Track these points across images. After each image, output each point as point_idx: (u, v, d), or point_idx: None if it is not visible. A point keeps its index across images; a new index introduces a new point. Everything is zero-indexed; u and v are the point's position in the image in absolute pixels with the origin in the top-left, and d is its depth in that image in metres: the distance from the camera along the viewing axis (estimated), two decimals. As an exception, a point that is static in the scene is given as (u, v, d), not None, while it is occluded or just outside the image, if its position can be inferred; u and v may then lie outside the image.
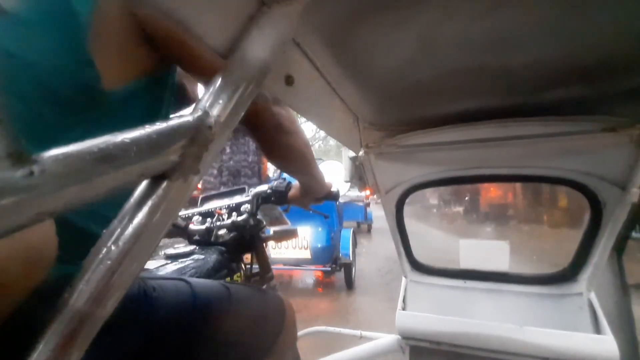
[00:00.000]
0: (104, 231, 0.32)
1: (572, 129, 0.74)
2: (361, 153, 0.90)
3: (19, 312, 0.37)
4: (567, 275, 0.98)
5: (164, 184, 0.34)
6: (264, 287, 1.29)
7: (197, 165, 0.36)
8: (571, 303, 0.97)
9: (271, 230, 1.27)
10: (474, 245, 1.15)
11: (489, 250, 1.11)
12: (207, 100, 0.38)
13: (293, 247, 3.46)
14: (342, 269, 3.42)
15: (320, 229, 3.38)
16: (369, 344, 1.09)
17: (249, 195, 1.24)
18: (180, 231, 1.23)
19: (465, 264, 1.14)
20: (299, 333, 1.31)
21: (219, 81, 0.38)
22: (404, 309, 1.08)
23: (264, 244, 1.28)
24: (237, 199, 1.27)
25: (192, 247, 1.15)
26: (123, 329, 0.49)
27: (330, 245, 3.39)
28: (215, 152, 0.38)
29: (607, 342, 0.83)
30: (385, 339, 1.07)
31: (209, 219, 1.24)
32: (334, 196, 1.00)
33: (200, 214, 1.28)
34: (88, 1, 0.44)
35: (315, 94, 0.62)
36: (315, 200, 1.00)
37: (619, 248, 1.10)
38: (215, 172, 4.17)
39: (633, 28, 0.48)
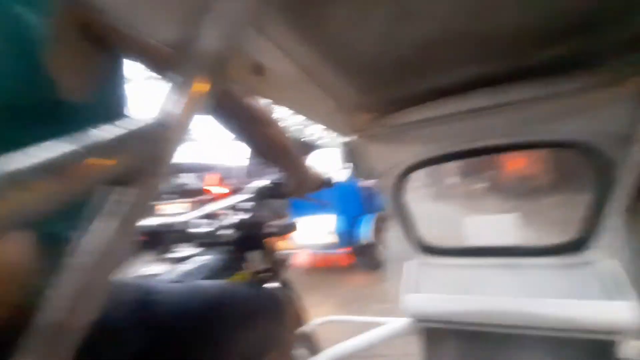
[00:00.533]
0: (69, 241, 0.32)
1: (568, 88, 0.70)
2: (352, 137, 0.88)
3: (3, 329, 0.37)
4: (579, 243, 0.94)
5: (125, 189, 0.33)
6: (277, 282, 1.30)
7: (157, 168, 0.35)
8: (585, 272, 0.93)
9: (273, 226, 1.27)
10: (480, 221, 1.12)
11: (497, 225, 1.08)
12: (163, 100, 0.36)
13: (321, 233, 3.76)
14: (363, 250, 3.69)
15: (343, 215, 3.62)
16: (382, 328, 1.08)
17: (250, 193, 1.24)
18: (185, 237, 1.24)
19: (473, 241, 1.11)
20: (312, 323, 1.31)
21: (173, 78, 0.37)
22: (412, 291, 1.07)
23: (269, 240, 1.28)
24: (238, 197, 1.27)
25: (196, 249, 1.16)
26: (126, 332, 0.51)
27: (351, 230, 3.63)
28: (173, 152, 0.37)
29: (625, 308, 0.80)
30: (397, 322, 1.06)
31: (211, 220, 1.24)
32: (328, 183, 1.00)
33: (201, 217, 1.29)
34: (39, 13, 0.43)
35: (290, 81, 0.60)
36: (309, 189, 1.00)
37: (634, 210, 1.06)
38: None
39: None
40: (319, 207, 3.31)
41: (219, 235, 1.21)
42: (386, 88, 0.78)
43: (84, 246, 0.31)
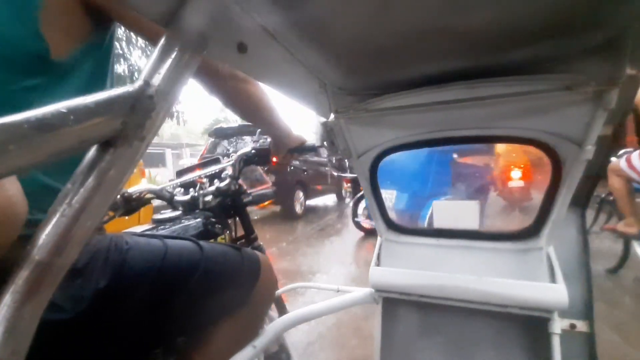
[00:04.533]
0: (60, 193, 0.36)
1: (533, 88, 0.75)
2: (331, 118, 0.92)
3: None
4: (531, 231, 1.03)
5: (110, 150, 0.37)
6: (249, 247, 1.37)
7: (141, 132, 0.39)
8: (533, 257, 1.03)
9: (251, 193, 1.33)
10: (446, 205, 1.21)
11: (461, 210, 1.16)
12: (148, 69, 0.40)
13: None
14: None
15: (405, 193, 3.16)
16: (345, 295, 1.18)
17: (231, 160, 1.28)
18: (167, 202, 1.29)
19: (439, 223, 1.20)
20: (282, 289, 1.41)
21: (159, 50, 0.41)
22: (378, 265, 1.16)
23: (246, 208, 1.34)
24: (219, 165, 1.31)
25: (178, 213, 1.21)
26: (93, 272, 0.56)
27: (410, 211, 3.10)
28: (160, 119, 0.41)
29: (558, 290, 0.90)
30: (360, 292, 1.16)
31: (191, 189, 1.29)
32: (310, 148, 1.06)
33: (181, 185, 1.34)
34: None
35: (273, 60, 0.64)
36: (289, 152, 1.08)
37: (583, 205, 1.16)
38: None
39: None
40: (404, 181, 2.90)
41: (202, 202, 1.26)
42: (368, 74, 0.82)
43: (71, 198, 0.36)
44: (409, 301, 1.08)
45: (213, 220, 1.20)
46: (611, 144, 0.95)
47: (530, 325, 0.99)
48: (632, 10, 0.55)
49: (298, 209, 7.39)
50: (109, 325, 0.62)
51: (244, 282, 0.83)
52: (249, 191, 1.36)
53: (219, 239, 1.16)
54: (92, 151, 0.37)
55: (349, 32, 0.61)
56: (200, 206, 1.25)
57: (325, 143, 0.97)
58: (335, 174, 8.74)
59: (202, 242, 0.82)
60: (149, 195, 1.20)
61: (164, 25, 0.42)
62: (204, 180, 1.35)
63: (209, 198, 1.25)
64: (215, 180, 1.28)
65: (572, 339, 1.09)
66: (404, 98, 0.85)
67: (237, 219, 1.37)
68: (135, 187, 1.19)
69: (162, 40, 0.41)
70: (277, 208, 7.63)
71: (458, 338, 1.10)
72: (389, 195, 3.21)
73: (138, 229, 1.05)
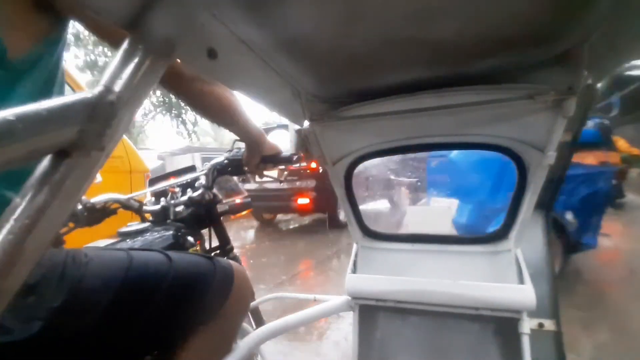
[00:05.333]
0: (7, 207, 0.33)
1: (498, 97, 0.78)
2: (306, 125, 0.92)
3: None
4: (500, 234, 1.07)
5: (66, 160, 0.35)
6: (225, 258, 1.33)
7: (101, 142, 0.36)
8: (502, 259, 1.07)
9: (226, 203, 1.29)
10: (420, 211, 1.23)
11: (434, 215, 1.19)
12: (109, 74, 0.38)
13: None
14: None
15: (469, 204, 2.59)
16: (322, 304, 1.16)
17: (204, 169, 1.24)
18: (135, 213, 1.23)
19: (413, 228, 1.22)
20: (259, 300, 1.37)
21: (121, 54, 0.38)
22: (354, 272, 1.16)
23: (221, 218, 1.30)
24: (192, 174, 1.27)
25: (146, 225, 1.15)
26: (47, 289, 0.52)
27: (473, 225, 2.60)
28: (121, 128, 0.38)
29: (525, 290, 0.94)
30: (336, 300, 1.15)
31: (163, 198, 1.24)
32: (286, 158, 1.03)
33: (153, 194, 1.28)
34: None
35: (245, 67, 0.62)
36: (265, 162, 1.04)
37: (547, 208, 1.22)
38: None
39: (545, 2, 0.51)
40: (470, 189, 2.41)
41: (173, 212, 1.21)
42: (342, 81, 0.82)
43: (20, 213, 0.32)
44: (385, 307, 1.09)
45: (184, 231, 1.15)
46: (571, 150, 1.01)
47: (502, 326, 1.02)
48: (588, 25, 0.59)
49: (343, 216, 6.59)
50: (68, 346, 0.58)
51: (216, 292, 0.80)
52: (224, 201, 1.33)
53: (191, 250, 1.11)
54: (45, 161, 0.34)
55: (322, 41, 0.61)
56: (172, 217, 1.20)
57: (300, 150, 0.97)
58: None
59: (170, 253, 0.78)
60: (115, 206, 1.14)
61: (127, 27, 0.39)
62: (177, 189, 1.31)
63: (180, 208, 1.20)
64: (189, 190, 1.23)
65: (541, 338, 1.13)
66: (377, 106, 0.86)
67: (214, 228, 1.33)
68: (99, 196, 1.12)
69: (125, 44, 0.39)
70: (314, 217, 7.00)
71: (433, 342, 1.11)
72: (449, 204, 2.44)
73: (101, 243, 0.99)
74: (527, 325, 0.96)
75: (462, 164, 2.64)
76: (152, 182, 1.42)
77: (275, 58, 0.65)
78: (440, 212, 1.17)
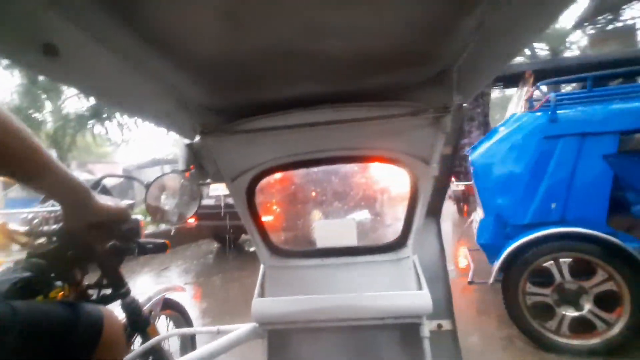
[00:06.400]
0: None
1: (388, 113, 0.83)
2: (197, 139, 0.84)
3: None
4: (400, 242, 1.12)
5: None
6: (119, 303, 1.13)
7: None
8: (403, 266, 1.12)
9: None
10: (327, 224, 1.23)
11: (340, 228, 1.20)
12: None
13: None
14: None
15: (492, 218, 2.51)
16: (228, 336, 1.06)
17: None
18: None
19: (322, 243, 1.21)
20: (156, 338, 1.20)
21: None
22: (261, 295, 1.09)
23: (111, 254, 1.09)
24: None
25: None
26: None
27: (495, 245, 2.43)
28: None
29: (423, 296, 0.99)
30: (243, 329, 1.06)
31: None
32: (133, 229, 0.85)
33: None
34: None
35: (104, 71, 0.53)
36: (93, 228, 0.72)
37: (437, 214, 1.34)
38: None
39: (419, 26, 0.54)
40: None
41: (31, 245, 0.98)
42: (235, 93, 0.77)
43: None
44: (295, 329, 1.04)
45: (46, 270, 0.93)
46: (451, 162, 1.13)
47: (406, 331, 1.05)
48: (455, 50, 0.66)
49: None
50: None
51: (78, 344, 0.66)
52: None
53: (52, 294, 0.90)
54: None
55: (204, 46, 0.56)
56: (30, 251, 0.97)
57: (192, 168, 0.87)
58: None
59: (15, 303, 0.64)
60: None
61: None
62: (52, 215, 1.08)
63: (42, 240, 0.98)
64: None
65: (440, 338, 1.21)
66: (275, 119, 0.84)
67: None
68: None
69: None
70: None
71: (346, 356, 1.10)
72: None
73: None
74: (427, 328, 1.01)
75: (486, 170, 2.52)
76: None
77: (148, 62, 0.57)
78: (345, 225, 1.19)
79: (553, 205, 2.29)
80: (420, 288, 1.05)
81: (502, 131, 2.59)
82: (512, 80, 3.53)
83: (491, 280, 2.32)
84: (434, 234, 1.30)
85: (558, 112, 2.31)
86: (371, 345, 1.10)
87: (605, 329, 2.13)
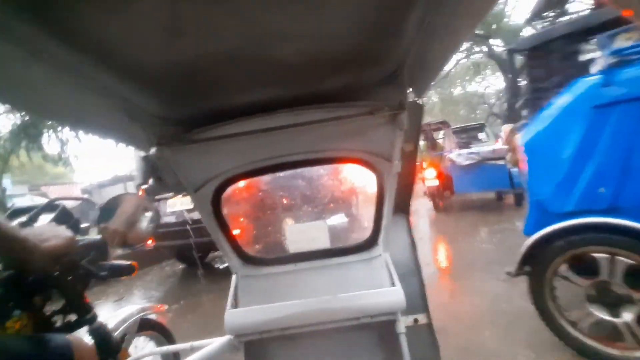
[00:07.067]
0: None
1: (346, 114, 0.83)
2: (153, 151, 0.81)
3: None
4: (371, 241, 1.13)
5: None
6: (87, 329, 1.07)
7: None
8: (375, 264, 1.13)
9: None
10: (298, 228, 1.23)
11: (312, 232, 1.20)
12: None
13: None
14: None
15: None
16: (201, 351, 1.03)
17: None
18: None
19: (294, 247, 1.20)
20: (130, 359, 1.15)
21: None
22: (234, 306, 1.06)
23: (73, 279, 1.03)
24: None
25: None
26: None
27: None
28: None
29: (396, 292, 1.00)
30: (217, 342, 1.03)
31: None
32: (66, 251, 0.80)
33: None
34: None
35: (36, 81, 0.50)
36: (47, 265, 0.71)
37: (406, 210, 1.36)
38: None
39: (366, 28, 0.55)
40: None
41: None
42: (188, 101, 0.75)
43: None
44: (271, 339, 1.02)
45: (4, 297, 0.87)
46: (415, 158, 1.15)
47: (382, 329, 1.06)
48: (403, 49, 0.67)
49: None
50: None
51: None
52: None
53: (8, 323, 0.84)
54: None
55: (148, 55, 0.54)
56: None
57: (150, 181, 0.84)
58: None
59: None
60: None
61: None
62: None
63: None
64: None
65: (417, 332, 1.22)
66: (233, 126, 0.83)
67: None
68: None
69: None
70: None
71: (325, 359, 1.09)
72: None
73: None
74: (403, 324, 1.02)
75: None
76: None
77: (90, 74, 0.55)
78: (317, 227, 1.18)
79: (602, 190, 1.84)
80: (393, 285, 1.06)
81: (553, 103, 2.09)
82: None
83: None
84: (404, 230, 1.32)
85: (615, 74, 1.78)
86: (349, 346, 1.10)
87: (633, 347, 1.76)
